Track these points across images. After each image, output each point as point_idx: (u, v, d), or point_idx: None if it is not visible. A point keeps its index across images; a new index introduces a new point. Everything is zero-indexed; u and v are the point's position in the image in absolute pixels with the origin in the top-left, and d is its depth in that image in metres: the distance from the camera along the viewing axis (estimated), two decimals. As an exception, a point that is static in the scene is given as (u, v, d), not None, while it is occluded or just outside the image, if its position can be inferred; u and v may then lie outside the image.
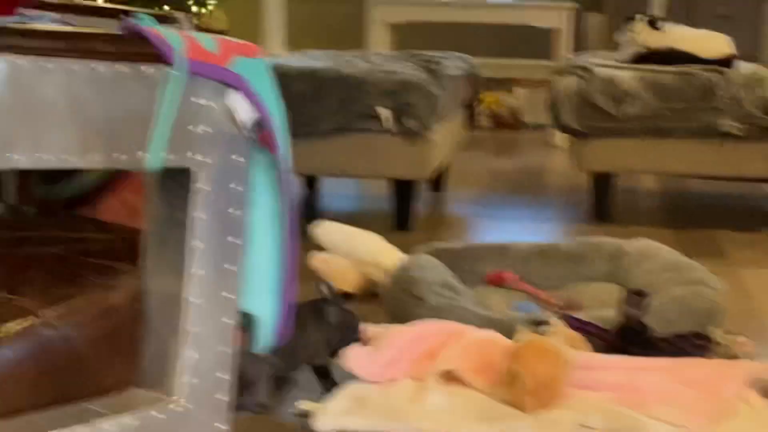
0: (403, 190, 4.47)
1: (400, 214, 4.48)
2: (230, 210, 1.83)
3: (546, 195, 5.27)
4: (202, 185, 1.77)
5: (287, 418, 2.53)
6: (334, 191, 5.32)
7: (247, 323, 1.88)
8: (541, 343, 2.52)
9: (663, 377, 2.60)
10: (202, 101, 1.74)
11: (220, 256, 1.83)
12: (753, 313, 3.42)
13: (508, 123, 7.62)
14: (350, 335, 2.70)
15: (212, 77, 1.70)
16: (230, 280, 1.83)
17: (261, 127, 1.76)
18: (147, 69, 1.60)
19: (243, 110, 1.72)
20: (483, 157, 6.42)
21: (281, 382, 2.71)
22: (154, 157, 1.61)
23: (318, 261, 3.42)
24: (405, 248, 3.48)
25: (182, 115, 1.67)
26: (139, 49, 1.59)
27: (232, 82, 1.70)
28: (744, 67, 4.71)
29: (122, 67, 1.58)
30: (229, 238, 1.84)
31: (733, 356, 2.87)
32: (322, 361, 2.68)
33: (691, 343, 2.84)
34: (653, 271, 3.20)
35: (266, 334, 1.88)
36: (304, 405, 2.54)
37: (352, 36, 7.68)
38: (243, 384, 2.56)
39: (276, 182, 1.82)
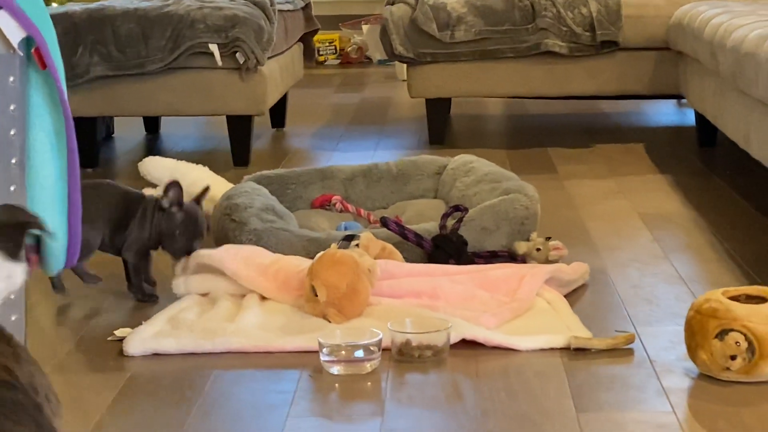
0: (239, 126, 4.48)
1: (238, 149, 4.49)
2: (11, 132, 1.84)
3: (388, 126, 5.32)
4: (-23, 108, 1.78)
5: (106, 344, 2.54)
6: (176, 132, 5.31)
7: (38, 245, 1.89)
8: (334, 255, 2.55)
9: (464, 282, 2.68)
10: (-30, 22, 1.74)
11: (4, 179, 1.84)
12: (576, 220, 3.52)
13: (354, 59, 7.66)
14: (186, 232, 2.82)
15: (-25, -3, 1.70)
16: (17, 202, 1.84)
17: (32, 45, 1.77)
18: None
19: (10, 28, 1.72)
20: (327, 93, 6.45)
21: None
22: None
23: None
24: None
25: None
26: None
27: (-4, 2, 1.71)
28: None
29: None
30: (12, 161, 1.85)
31: (548, 260, 2.97)
32: (131, 257, 2.81)
33: (503, 260, 2.93)
34: (471, 184, 3.28)
35: (58, 255, 1.90)
36: (119, 331, 2.56)
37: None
38: None
39: (54, 102, 1.83)
